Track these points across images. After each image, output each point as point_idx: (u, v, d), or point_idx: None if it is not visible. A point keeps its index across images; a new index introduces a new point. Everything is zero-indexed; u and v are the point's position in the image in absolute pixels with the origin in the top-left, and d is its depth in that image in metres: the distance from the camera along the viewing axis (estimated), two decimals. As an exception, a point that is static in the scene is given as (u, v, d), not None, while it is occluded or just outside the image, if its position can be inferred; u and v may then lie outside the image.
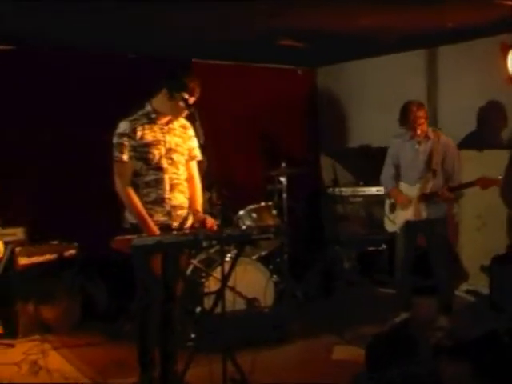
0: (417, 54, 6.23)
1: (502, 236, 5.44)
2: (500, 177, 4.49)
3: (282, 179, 5.58)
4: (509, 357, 3.84)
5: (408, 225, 4.90)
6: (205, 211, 3.97)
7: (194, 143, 3.91)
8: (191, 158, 3.93)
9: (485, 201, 5.46)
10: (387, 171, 5.08)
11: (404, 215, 4.91)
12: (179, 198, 3.81)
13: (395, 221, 4.99)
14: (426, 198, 4.78)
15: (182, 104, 3.64)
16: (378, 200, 6.23)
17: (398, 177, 5.01)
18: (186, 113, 3.74)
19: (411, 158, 4.87)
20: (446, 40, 5.77)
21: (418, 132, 4.75)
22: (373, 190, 6.37)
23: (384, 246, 6.24)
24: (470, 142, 4.98)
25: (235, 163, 6.68)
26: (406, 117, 4.74)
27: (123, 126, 3.68)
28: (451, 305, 4.96)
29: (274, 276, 5.17)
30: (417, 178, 4.85)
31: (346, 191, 6.41)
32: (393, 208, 5.06)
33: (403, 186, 4.96)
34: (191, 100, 3.66)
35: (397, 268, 5.07)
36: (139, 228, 3.62)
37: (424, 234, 4.97)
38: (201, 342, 3.98)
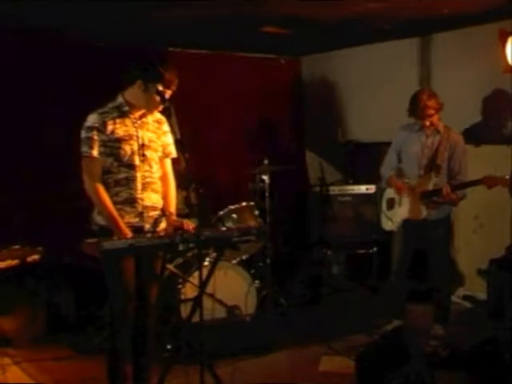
0: (410, 43, 6.26)
1: (500, 238, 5.48)
2: (507, 177, 4.44)
3: (265, 177, 5.57)
4: (508, 367, 3.86)
5: (406, 224, 4.91)
6: (181, 212, 3.97)
7: (169, 139, 3.91)
8: (165, 155, 3.92)
9: (482, 200, 5.50)
10: (388, 163, 5.09)
11: (402, 213, 4.92)
12: (152, 198, 3.80)
13: (393, 219, 4.99)
14: (426, 196, 4.79)
15: (157, 97, 3.62)
16: (368, 199, 6.28)
17: (399, 172, 5.02)
18: (161, 107, 3.72)
19: (415, 152, 4.88)
20: (440, 27, 5.80)
21: (427, 123, 4.76)
22: (362, 189, 6.39)
23: (375, 249, 6.27)
24: (467, 137, 5.01)
25: (214, 160, 6.67)
26: (415, 106, 4.74)
27: (92, 119, 3.66)
28: (448, 312, 4.99)
29: (256, 281, 5.17)
30: (418, 173, 4.86)
31: (334, 190, 6.44)
32: (391, 204, 5.06)
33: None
34: (168, 93, 3.65)
35: (392, 270, 5.08)
36: (109, 230, 3.59)
37: (423, 236, 4.97)
38: (177, 353, 3.97)
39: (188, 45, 6.31)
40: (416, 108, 4.73)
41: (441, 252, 4.92)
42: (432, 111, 4.71)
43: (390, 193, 5.14)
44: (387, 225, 5.10)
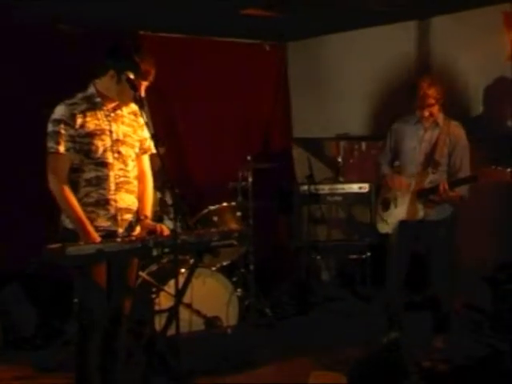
0: (406, 26, 6.27)
1: (508, 240, 5.50)
2: (509, 169, 4.40)
3: (248, 175, 5.57)
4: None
5: (402, 226, 4.92)
6: (155, 215, 3.95)
7: (147, 133, 3.87)
8: (143, 151, 3.90)
9: (486, 198, 5.53)
10: (385, 155, 5.13)
11: (398, 214, 4.93)
12: (127, 200, 3.78)
13: (388, 220, 5.01)
14: (422, 194, 4.81)
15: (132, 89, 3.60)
16: (361, 199, 6.30)
17: (398, 170, 5.04)
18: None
19: (412, 146, 4.89)
20: (439, 10, 5.82)
21: (426, 114, 4.76)
22: (355, 188, 6.41)
23: (368, 254, 6.29)
24: (468, 129, 5.03)
25: (191, 156, 6.66)
26: (413, 95, 4.76)
27: (60, 111, 3.62)
28: (449, 322, 5.01)
29: (239, 290, 5.17)
30: (415, 170, 4.88)
31: (323, 189, 6.44)
32: (386, 205, 5.07)
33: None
34: (144, 85, 3.64)
35: (388, 277, 5.09)
36: (77, 234, 3.57)
37: (421, 238, 4.98)
38: (151, 369, 3.95)
39: (161, 28, 6.27)
40: (415, 97, 4.74)
41: (441, 256, 4.92)
42: (432, 101, 4.72)
43: (384, 192, 5.15)
44: (383, 227, 5.10)
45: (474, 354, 4.57)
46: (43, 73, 5.53)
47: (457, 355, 4.69)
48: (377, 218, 5.19)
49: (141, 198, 3.88)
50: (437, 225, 4.86)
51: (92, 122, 3.66)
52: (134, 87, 3.60)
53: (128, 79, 3.58)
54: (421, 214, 4.83)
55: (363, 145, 6.74)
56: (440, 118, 4.84)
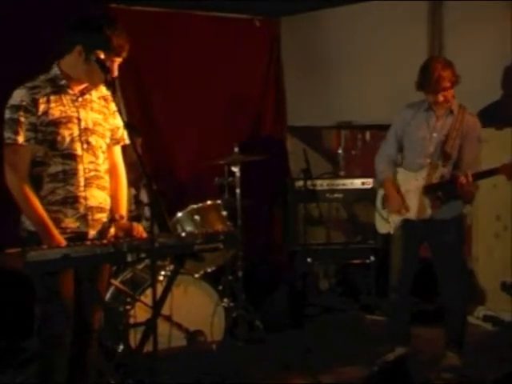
0: (416, 3, 6.28)
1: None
2: None
3: (235, 169, 5.57)
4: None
5: (407, 225, 4.92)
6: (130, 214, 3.94)
7: (119, 121, 3.85)
8: (115, 141, 3.89)
9: (504, 197, 5.55)
10: (386, 151, 5.08)
11: (402, 211, 4.93)
12: (98, 197, 3.76)
13: (389, 219, 5.01)
14: (431, 190, 4.81)
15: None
16: (365, 196, 6.30)
17: (396, 161, 5.04)
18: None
19: (422, 136, 4.87)
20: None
21: (440, 99, 4.73)
22: (357, 184, 6.43)
23: (372, 259, 6.30)
24: (485, 117, 5.04)
25: (171, 147, 6.65)
26: (426, 77, 4.73)
27: (19, 96, 3.59)
28: (463, 336, 5.02)
29: (225, 300, 5.17)
30: (423, 163, 4.87)
31: (322, 185, 6.45)
32: (387, 201, 5.07)
33: (402, 173, 4.98)
34: (117, 62, 3.61)
35: (391, 285, 5.10)
36: (40, 237, 3.55)
37: (429, 240, 4.99)
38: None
39: (136, 0, 6.25)
40: (428, 80, 4.72)
41: (452, 261, 4.93)
42: (447, 84, 4.71)
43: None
44: (383, 227, 5.10)
45: (495, 372, 4.58)
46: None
47: (473, 374, 4.70)
48: (376, 216, 5.18)
49: (114, 196, 3.86)
50: (446, 225, 4.87)
51: (57, 109, 3.63)
52: (105, 69, 3.57)
53: (98, 59, 3.55)
54: (428, 212, 4.83)
55: (367, 134, 6.74)
56: (455, 104, 4.84)
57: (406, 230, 4.94)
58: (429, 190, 4.83)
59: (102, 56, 3.55)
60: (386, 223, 5.05)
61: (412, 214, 4.89)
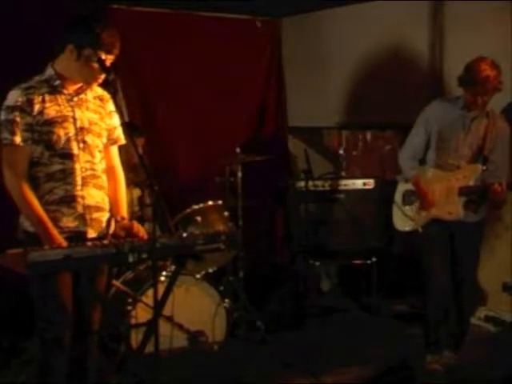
0: (418, 3, 6.26)
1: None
2: None
3: (236, 169, 5.57)
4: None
5: (437, 223, 4.86)
6: (133, 216, 3.94)
7: (116, 121, 3.88)
8: (112, 141, 3.90)
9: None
10: (413, 146, 4.98)
11: (433, 209, 4.87)
12: (95, 196, 3.77)
13: (413, 216, 4.93)
14: (467, 192, 4.74)
15: (95, 65, 3.58)
16: (366, 197, 6.30)
17: (425, 156, 4.96)
18: (101, 78, 3.68)
19: (455, 135, 4.79)
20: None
21: (480, 100, 4.66)
22: (359, 184, 6.41)
23: (374, 259, 6.29)
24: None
25: (172, 148, 6.65)
26: (472, 75, 4.64)
27: (14, 97, 3.60)
28: (465, 336, 5.00)
29: (226, 300, 5.16)
30: (458, 164, 4.79)
31: (323, 185, 6.44)
32: (410, 197, 5.00)
33: (431, 172, 4.91)
34: (109, 60, 3.61)
35: (429, 286, 5.00)
36: (38, 238, 3.54)
37: (454, 240, 4.90)
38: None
39: (137, 1, 6.25)
40: (474, 78, 4.65)
41: (473, 263, 4.91)
42: (492, 86, 4.62)
43: (407, 183, 5.06)
44: (405, 224, 5.02)
45: (491, 373, 4.57)
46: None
47: (474, 374, 4.70)
48: (395, 212, 5.13)
49: (113, 197, 3.87)
50: (473, 228, 4.82)
51: (52, 108, 3.64)
52: (105, 68, 3.58)
53: (99, 59, 3.57)
54: (462, 213, 4.76)
55: (368, 135, 6.72)
56: (488, 108, 4.81)
57: (437, 227, 4.86)
58: (465, 192, 4.74)
59: (101, 55, 3.56)
60: (409, 220, 4.99)
61: (444, 214, 4.84)
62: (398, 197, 5.11)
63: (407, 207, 5.03)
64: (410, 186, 5.01)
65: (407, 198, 5.04)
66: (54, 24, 3.74)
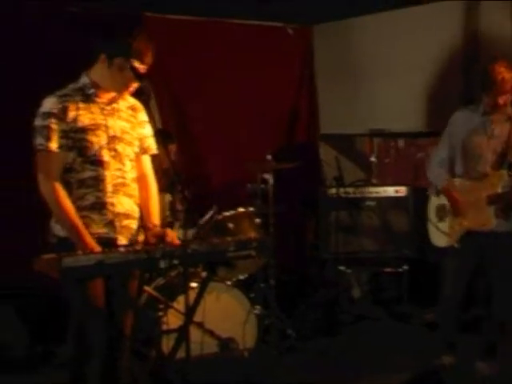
0: (451, 5, 6.23)
1: None
2: None
3: (268, 176, 5.57)
4: None
5: (468, 237, 4.80)
6: (164, 221, 3.95)
7: (148, 131, 3.91)
8: (143, 150, 3.92)
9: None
10: (440, 156, 4.98)
11: (463, 223, 4.83)
12: (125, 204, 3.79)
13: (449, 231, 4.90)
14: (496, 200, 4.70)
15: (127, 74, 3.62)
16: (398, 204, 6.27)
17: (452, 169, 4.95)
18: (134, 86, 3.71)
19: (478, 142, 4.77)
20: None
21: (501, 102, 4.66)
22: (390, 191, 6.39)
23: (406, 267, 6.26)
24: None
25: (204, 154, 6.67)
26: (488, 78, 4.63)
27: (50, 104, 3.64)
28: (503, 344, 4.95)
29: (257, 307, 5.16)
30: (484, 171, 4.76)
31: (354, 192, 6.43)
32: (442, 213, 4.97)
33: (459, 182, 4.88)
34: (141, 68, 3.64)
35: (443, 294, 5.03)
36: (71, 243, 3.58)
37: (487, 251, 4.83)
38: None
39: (170, 8, 6.28)
40: (490, 81, 4.63)
41: (508, 274, 4.82)
42: (510, 86, 4.63)
43: (438, 198, 5.03)
44: (442, 240, 4.98)
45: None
46: (36, 60, 5.56)
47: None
48: (430, 229, 5.09)
49: (145, 206, 3.89)
50: (507, 237, 4.77)
51: (86, 116, 3.68)
52: (138, 75, 3.61)
53: (131, 68, 3.60)
54: (493, 222, 4.71)
55: (401, 142, 6.69)
56: (509, 109, 4.78)
57: (466, 242, 4.82)
58: (494, 200, 4.69)
59: (133, 63, 3.59)
60: (445, 236, 4.95)
61: (478, 226, 4.78)
62: (431, 214, 5.07)
63: (441, 223, 4.98)
64: (441, 201, 4.99)
65: (440, 214, 5.00)
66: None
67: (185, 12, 6.39)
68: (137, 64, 3.61)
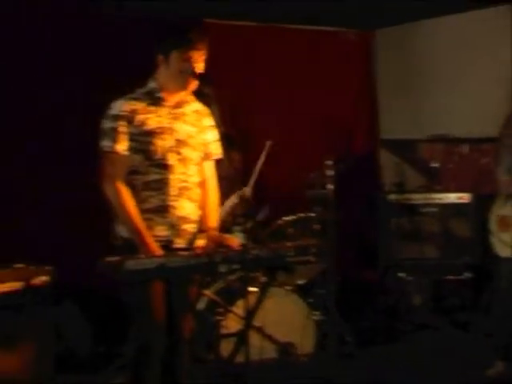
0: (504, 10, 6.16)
1: None
2: None
3: (327, 183, 5.56)
4: None
5: None
6: (223, 225, 3.93)
7: (212, 136, 3.95)
8: (207, 155, 3.95)
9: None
10: (506, 161, 4.94)
11: None
12: (187, 208, 3.82)
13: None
14: None
15: (185, 67, 3.66)
16: (460, 211, 6.20)
17: None
18: (194, 83, 3.74)
19: None
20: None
21: None
22: (452, 198, 6.33)
23: (468, 275, 6.19)
24: None
25: (266, 162, 6.66)
26: None
27: (119, 106, 3.71)
28: None
29: (316, 313, 5.15)
30: None
31: (416, 198, 6.38)
32: (504, 223, 4.92)
33: None
34: (199, 61, 3.68)
35: (498, 299, 5.01)
36: (134, 244, 3.63)
37: None
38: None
39: (230, 14, 6.31)
40: None
41: None
42: None
43: (500, 208, 4.99)
44: (505, 250, 4.92)
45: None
46: (103, 67, 5.67)
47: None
48: (492, 239, 5.04)
49: (206, 209, 3.91)
50: None
51: (153, 120, 3.73)
52: (194, 72, 3.64)
53: (186, 59, 3.64)
54: None
55: (464, 148, 6.61)
56: None
57: None
58: None
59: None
60: (507, 247, 4.90)
61: None
62: (492, 225, 5.02)
63: (503, 234, 4.93)
64: (501, 211, 4.93)
65: (501, 224, 4.94)
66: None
67: (243, 18, 6.41)
68: (192, 53, 3.66)
